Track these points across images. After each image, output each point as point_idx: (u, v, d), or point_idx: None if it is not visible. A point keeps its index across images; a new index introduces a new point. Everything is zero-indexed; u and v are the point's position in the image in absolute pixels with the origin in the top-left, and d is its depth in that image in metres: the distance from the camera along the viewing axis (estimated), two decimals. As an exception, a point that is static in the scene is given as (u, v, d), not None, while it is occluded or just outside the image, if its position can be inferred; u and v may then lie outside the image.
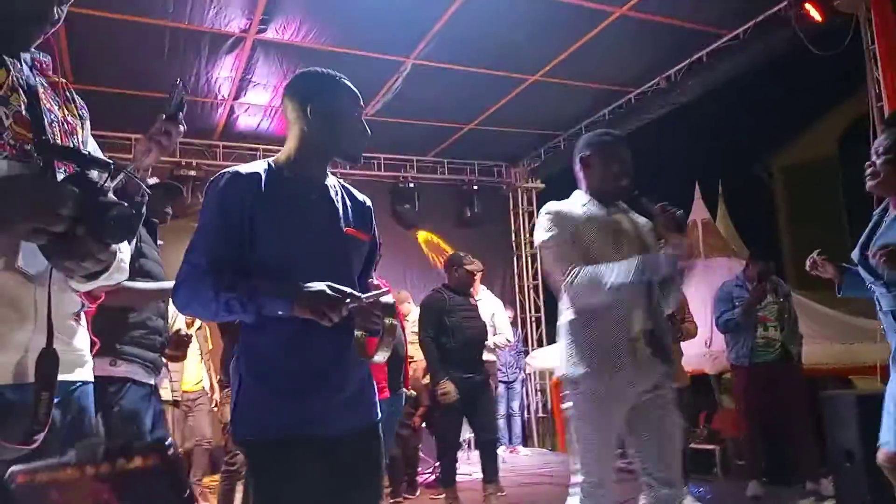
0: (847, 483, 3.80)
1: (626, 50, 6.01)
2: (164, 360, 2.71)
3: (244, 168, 1.66)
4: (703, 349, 5.50)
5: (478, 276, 5.04)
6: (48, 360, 1.12)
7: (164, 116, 1.93)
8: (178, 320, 3.88)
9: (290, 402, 1.58)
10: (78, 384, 1.30)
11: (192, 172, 7.20)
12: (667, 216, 2.31)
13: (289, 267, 1.59)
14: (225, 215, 1.59)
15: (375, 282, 1.81)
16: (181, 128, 1.90)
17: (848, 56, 5.03)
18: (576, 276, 2.21)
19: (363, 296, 1.58)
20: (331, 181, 1.79)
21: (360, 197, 1.86)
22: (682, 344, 4.69)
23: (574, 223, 2.32)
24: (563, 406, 2.34)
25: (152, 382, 2.61)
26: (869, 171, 2.41)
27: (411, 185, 8.28)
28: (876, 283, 2.37)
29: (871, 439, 2.52)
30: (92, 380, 1.35)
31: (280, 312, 1.52)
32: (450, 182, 8.71)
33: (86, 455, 0.66)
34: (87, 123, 1.42)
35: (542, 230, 2.35)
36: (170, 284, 1.70)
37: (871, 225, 2.49)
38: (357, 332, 1.65)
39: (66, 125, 1.31)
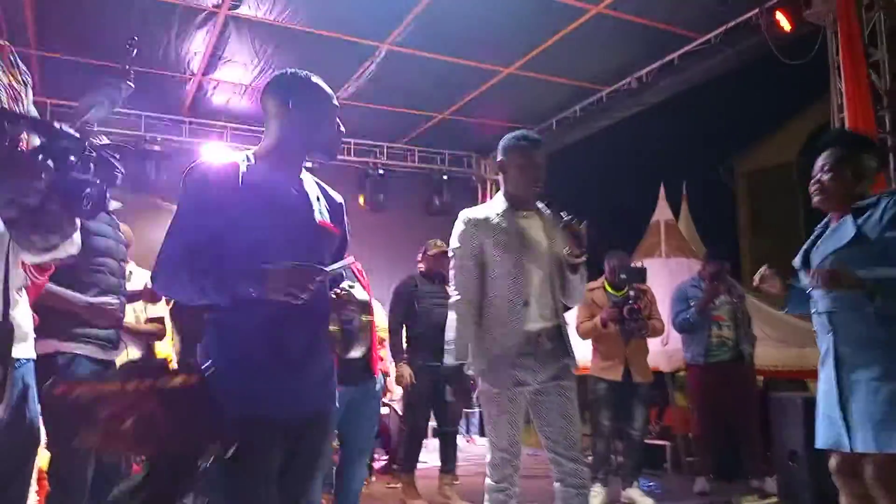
0: (790, 482, 3.94)
1: (601, 48, 6.06)
2: (125, 336, 2.68)
3: (222, 157, 1.75)
4: (659, 347, 5.61)
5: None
6: (3, 332, 1.10)
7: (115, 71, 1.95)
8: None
9: (258, 385, 1.62)
10: (22, 361, 1.27)
11: (157, 147, 7.05)
12: (569, 230, 2.45)
13: (262, 254, 1.63)
14: (201, 204, 1.66)
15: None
16: (131, 83, 1.90)
17: (814, 67, 5.16)
18: (452, 309, 2.55)
19: (328, 268, 1.64)
20: (306, 176, 1.87)
21: (334, 194, 1.93)
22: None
23: (482, 238, 2.52)
24: (476, 393, 2.61)
25: (108, 358, 2.59)
26: (816, 187, 2.50)
27: (381, 171, 8.25)
28: (816, 287, 2.45)
29: (815, 440, 2.60)
30: (34, 357, 1.32)
31: (252, 292, 1.57)
32: (420, 170, 8.70)
33: (128, 372, 0.67)
34: (30, 90, 1.39)
35: (454, 238, 2.60)
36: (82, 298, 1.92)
37: (813, 237, 2.60)
38: (332, 327, 1.68)
39: (11, 91, 1.27)
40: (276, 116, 1.81)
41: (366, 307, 1.72)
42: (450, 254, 2.64)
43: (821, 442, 2.46)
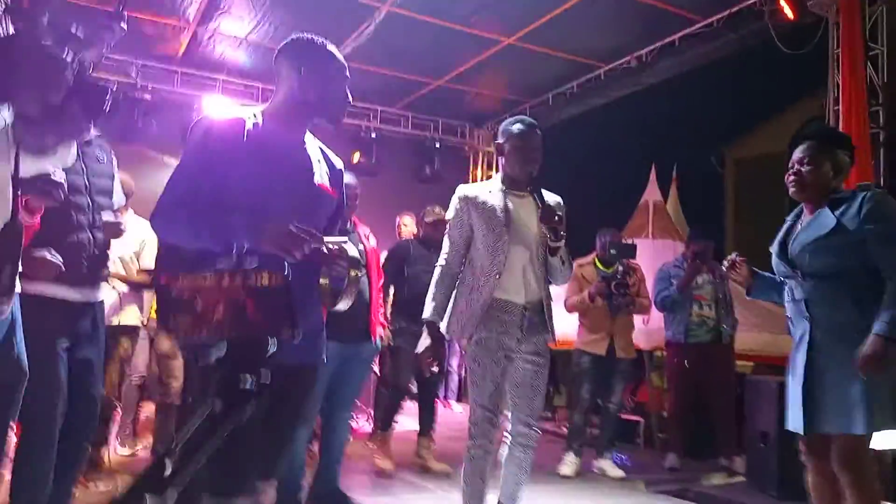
0: (759, 462, 4.04)
1: (602, 24, 6.01)
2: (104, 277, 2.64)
3: (230, 112, 1.79)
4: (640, 325, 5.70)
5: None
6: (14, 232, 1.12)
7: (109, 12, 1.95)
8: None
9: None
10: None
11: (147, 96, 6.94)
12: (547, 218, 2.61)
13: (260, 210, 1.66)
14: (205, 156, 1.71)
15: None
16: (123, 25, 1.90)
17: (813, 58, 5.17)
18: (434, 278, 2.77)
19: (327, 239, 1.67)
20: (310, 139, 1.93)
21: (335, 159, 2.00)
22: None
23: (472, 214, 2.72)
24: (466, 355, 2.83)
25: (74, 298, 2.50)
26: (794, 178, 2.56)
27: (373, 134, 8.18)
28: (793, 276, 2.54)
29: (786, 423, 2.68)
30: (19, 290, 1.32)
31: (247, 245, 1.58)
32: (412, 137, 8.64)
33: (223, 272, 0.82)
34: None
35: (449, 211, 2.82)
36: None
37: (786, 227, 2.67)
38: (322, 280, 1.71)
39: None
40: (287, 79, 1.87)
41: (357, 263, 1.74)
42: (446, 226, 2.83)
43: (788, 424, 2.57)
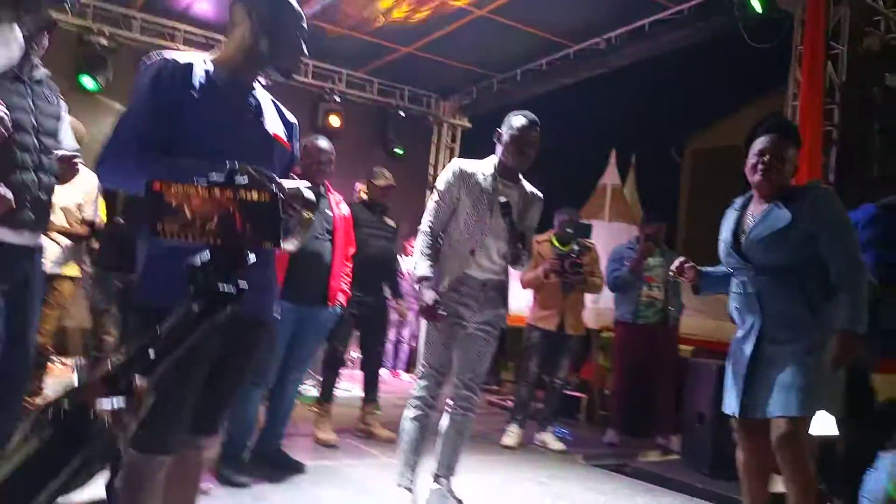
0: (694, 441, 4.18)
1: (575, 3, 6.01)
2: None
3: (181, 56, 1.72)
4: (590, 304, 5.80)
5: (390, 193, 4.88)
6: None
7: None
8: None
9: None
10: None
11: (103, 41, 6.66)
12: (512, 236, 2.80)
13: (211, 155, 1.60)
14: (155, 98, 1.65)
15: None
16: None
17: (777, 54, 5.27)
18: (420, 238, 2.88)
19: (285, 182, 1.64)
20: (261, 91, 1.88)
21: (288, 114, 1.95)
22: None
23: (462, 189, 2.84)
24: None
25: (15, 241, 2.39)
26: (765, 168, 2.52)
27: (337, 98, 8.05)
28: (744, 269, 2.57)
29: (723, 405, 2.77)
30: None
31: None
32: (377, 103, 8.54)
33: (215, 183, 0.93)
34: None
35: (441, 181, 2.93)
36: None
37: (734, 218, 2.68)
38: None
39: None
40: (239, 25, 1.79)
41: (310, 205, 1.72)
42: (434, 192, 2.95)
43: (724, 406, 2.66)
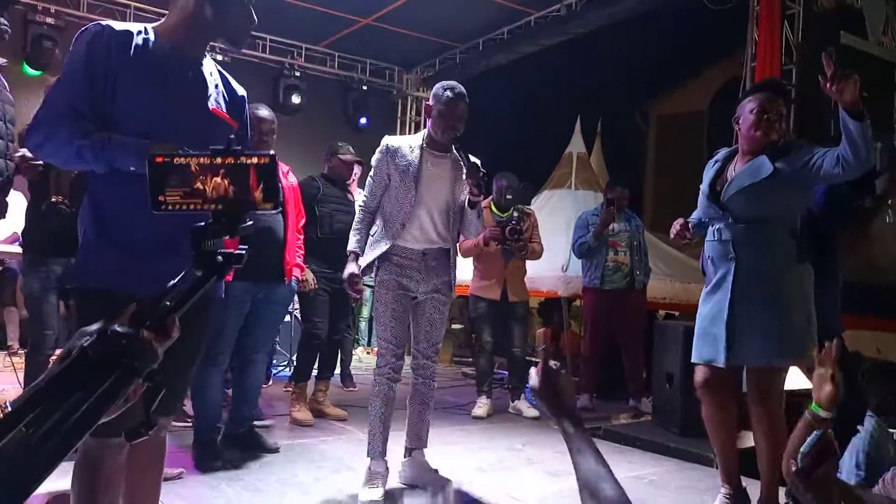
0: (664, 402, 4.27)
1: (535, -31, 5.95)
2: None
3: (117, 25, 1.65)
4: (559, 273, 5.84)
5: (356, 170, 4.82)
6: None
7: None
8: None
9: (130, 260, 1.59)
10: None
11: (49, 20, 6.43)
12: (472, 174, 2.80)
13: (145, 132, 1.58)
14: (89, 67, 1.58)
15: None
16: None
17: (734, 16, 5.29)
18: (359, 209, 3.02)
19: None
20: (208, 63, 1.79)
21: (237, 86, 1.87)
22: (534, 264, 4.98)
23: (391, 164, 2.90)
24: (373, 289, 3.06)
25: None
26: (768, 122, 2.58)
27: (297, 73, 7.90)
28: (722, 219, 2.65)
29: (691, 365, 2.83)
30: None
31: (132, 168, 1.52)
32: (338, 77, 8.40)
33: (216, 151, 0.95)
34: None
35: (374, 156, 2.99)
36: None
37: (716, 168, 2.76)
38: None
39: None
40: None
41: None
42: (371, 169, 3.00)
43: (696, 357, 2.71)
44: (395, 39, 7.66)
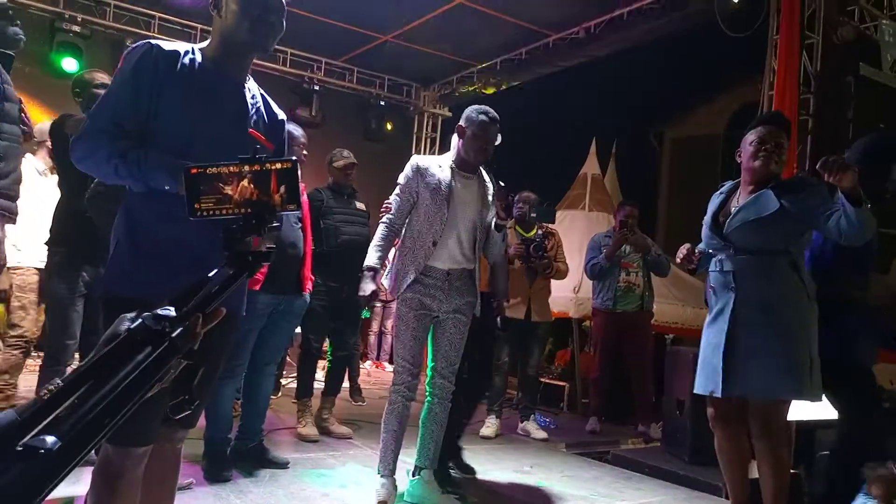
0: (673, 429, 4.24)
1: (555, -8, 6.01)
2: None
3: (166, 45, 1.70)
4: (571, 294, 5.84)
5: (353, 173, 4.43)
6: None
7: None
8: None
9: (160, 273, 1.62)
10: None
11: (76, 28, 6.54)
12: (501, 196, 2.96)
13: (184, 151, 1.61)
14: (135, 83, 1.63)
15: None
16: None
17: (753, 42, 5.31)
18: (379, 229, 2.98)
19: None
20: (252, 85, 1.83)
21: (277, 110, 1.91)
22: (554, 284, 4.95)
23: (421, 183, 2.93)
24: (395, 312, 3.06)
25: None
26: (770, 154, 2.61)
27: (316, 87, 7.98)
28: (723, 249, 2.67)
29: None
30: None
31: (166, 187, 1.56)
32: (356, 92, 8.48)
33: (244, 159, 1.06)
34: None
35: (401, 176, 3.00)
36: None
37: (719, 201, 2.80)
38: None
39: None
40: (215, 14, 1.75)
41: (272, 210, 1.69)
42: (397, 187, 3.01)
43: (698, 387, 2.71)
44: (414, 56, 7.73)
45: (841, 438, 2.91)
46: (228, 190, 1.04)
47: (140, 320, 0.74)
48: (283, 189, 1.05)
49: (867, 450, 2.72)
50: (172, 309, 0.79)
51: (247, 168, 1.05)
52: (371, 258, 2.94)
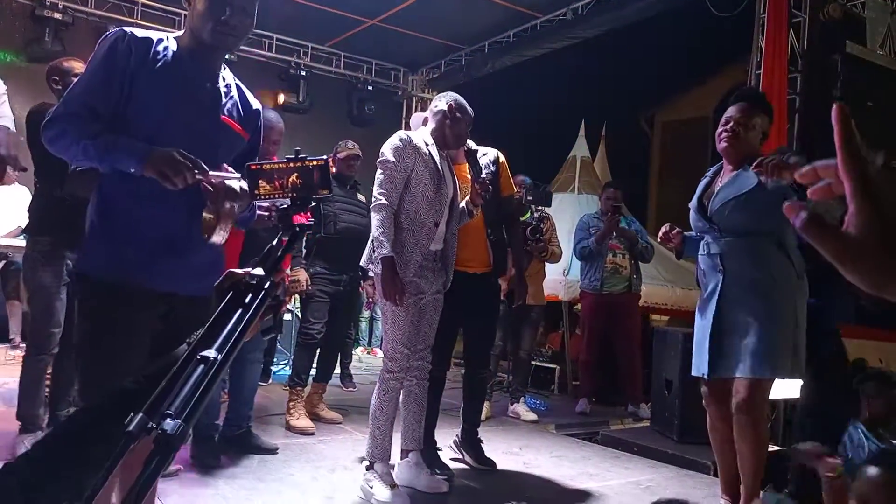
0: (662, 408, 4.26)
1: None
2: None
3: (139, 32, 1.71)
4: (561, 277, 5.85)
5: (355, 163, 4.44)
6: None
7: None
8: None
9: (131, 254, 1.65)
10: None
11: (57, 15, 6.45)
12: (478, 185, 2.93)
13: (155, 136, 1.63)
14: (108, 68, 1.65)
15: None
16: None
17: (740, 23, 5.28)
18: (376, 210, 2.78)
19: (212, 172, 1.60)
20: (227, 74, 1.84)
21: (253, 101, 1.91)
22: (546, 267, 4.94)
23: (415, 159, 2.82)
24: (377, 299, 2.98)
25: None
26: (728, 134, 2.62)
27: (303, 72, 7.91)
28: (709, 231, 2.67)
29: (690, 372, 2.83)
30: None
31: (132, 170, 1.58)
32: (344, 77, 8.41)
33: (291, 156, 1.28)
34: None
35: (388, 152, 2.83)
36: None
37: (705, 182, 2.80)
38: (205, 214, 1.65)
39: None
40: (187, 6, 1.74)
41: (233, 195, 1.63)
42: (381, 160, 2.85)
43: (693, 370, 2.72)
44: (401, 40, 7.66)
45: (808, 395, 2.99)
46: (277, 182, 1.28)
47: (248, 276, 1.05)
48: (317, 177, 1.27)
49: (829, 405, 2.80)
50: (260, 269, 1.06)
51: (292, 165, 1.27)
52: (384, 247, 2.72)
